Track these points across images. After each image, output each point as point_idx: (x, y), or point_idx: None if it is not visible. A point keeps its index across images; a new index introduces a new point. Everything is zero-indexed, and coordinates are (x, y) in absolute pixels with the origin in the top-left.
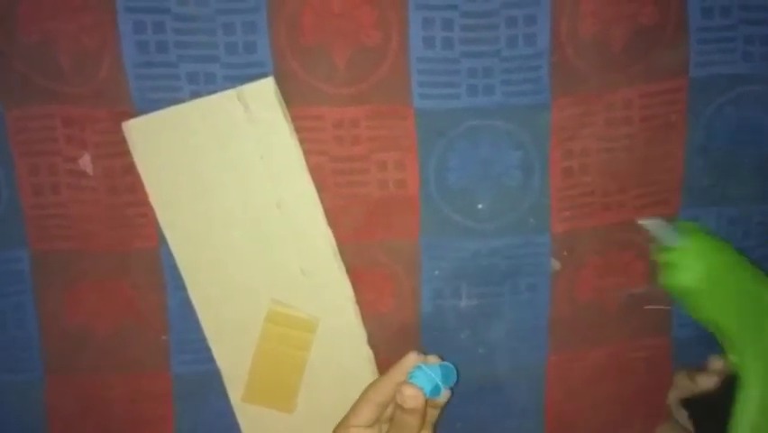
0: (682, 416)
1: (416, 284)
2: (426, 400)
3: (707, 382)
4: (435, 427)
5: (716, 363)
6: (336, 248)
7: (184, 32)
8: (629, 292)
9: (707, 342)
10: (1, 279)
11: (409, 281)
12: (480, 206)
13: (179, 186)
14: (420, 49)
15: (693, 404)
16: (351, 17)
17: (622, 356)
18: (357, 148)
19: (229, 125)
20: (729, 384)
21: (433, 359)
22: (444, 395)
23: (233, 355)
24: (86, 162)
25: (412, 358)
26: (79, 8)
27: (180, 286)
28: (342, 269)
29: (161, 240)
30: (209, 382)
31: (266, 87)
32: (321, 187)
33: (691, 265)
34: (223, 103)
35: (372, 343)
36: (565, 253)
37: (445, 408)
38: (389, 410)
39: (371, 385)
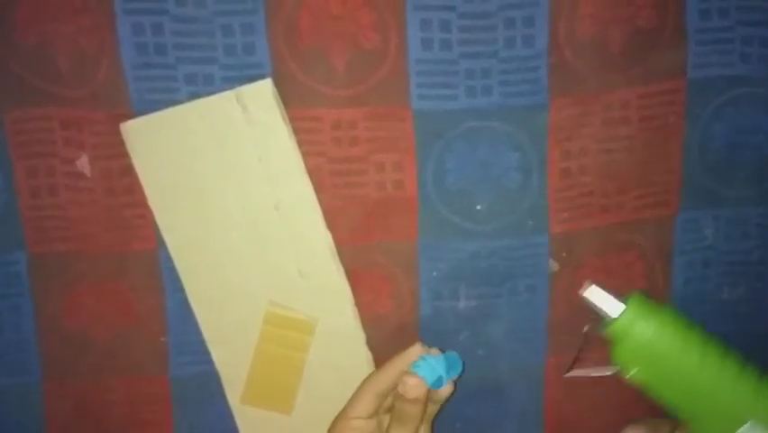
0: None
1: (415, 286)
2: (428, 392)
3: None
4: (433, 424)
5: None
6: (335, 250)
7: (182, 34)
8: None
9: None
10: None
11: (408, 283)
12: (478, 207)
13: (178, 187)
14: (418, 50)
15: None
16: (349, 19)
17: None
18: (355, 149)
19: (227, 127)
20: None
21: (436, 352)
22: (446, 389)
23: (231, 357)
24: (83, 164)
25: (416, 349)
26: (78, 10)
27: (179, 288)
28: (341, 270)
29: (159, 242)
30: (208, 383)
31: (264, 89)
32: (319, 188)
33: (630, 341)
34: (221, 104)
35: (371, 344)
36: (564, 254)
37: (445, 407)
38: (389, 401)
39: (371, 376)
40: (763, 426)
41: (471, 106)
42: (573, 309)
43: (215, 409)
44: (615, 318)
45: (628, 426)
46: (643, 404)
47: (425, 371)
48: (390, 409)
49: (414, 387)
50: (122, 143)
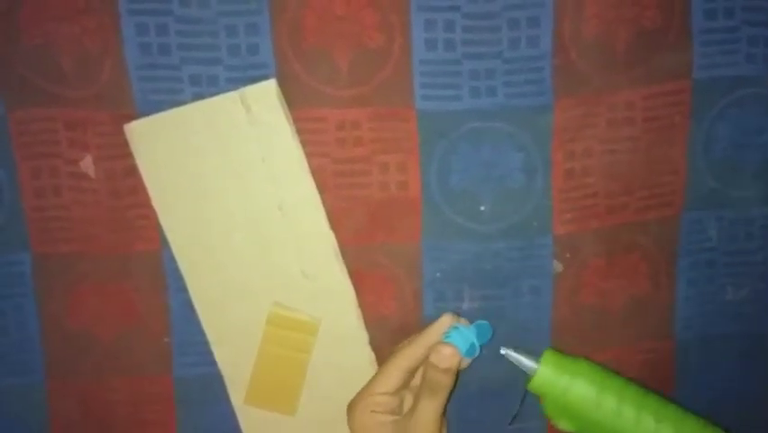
0: None
1: (418, 287)
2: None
3: None
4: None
5: None
6: (338, 250)
7: (187, 35)
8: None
9: (710, 345)
10: (2, 282)
11: (411, 284)
12: (482, 208)
13: (181, 188)
14: (422, 51)
15: None
16: (353, 19)
17: (625, 359)
18: (359, 150)
19: (231, 127)
20: None
21: (465, 322)
22: (466, 360)
23: (234, 358)
24: (87, 165)
25: (447, 319)
26: (82, 11)
27: (182, 288)
28: (344, 271)
29: (163, 242)
30: (211, 384)
31: (268, 89)
32: (323, 189)
33: (550, 396)
34: (225, 105)
35: (374, 345)
36: (568, 255)
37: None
38: (416, 379)
39: (400, 350)
40: None
41: (475, 107)
42: (577, 311)
43: (219, 410)
44: (531, 377)
45: None
46: None
47: (458, 340)
48: (413, 388)
49: (448, 356)
50: (125, 144)
